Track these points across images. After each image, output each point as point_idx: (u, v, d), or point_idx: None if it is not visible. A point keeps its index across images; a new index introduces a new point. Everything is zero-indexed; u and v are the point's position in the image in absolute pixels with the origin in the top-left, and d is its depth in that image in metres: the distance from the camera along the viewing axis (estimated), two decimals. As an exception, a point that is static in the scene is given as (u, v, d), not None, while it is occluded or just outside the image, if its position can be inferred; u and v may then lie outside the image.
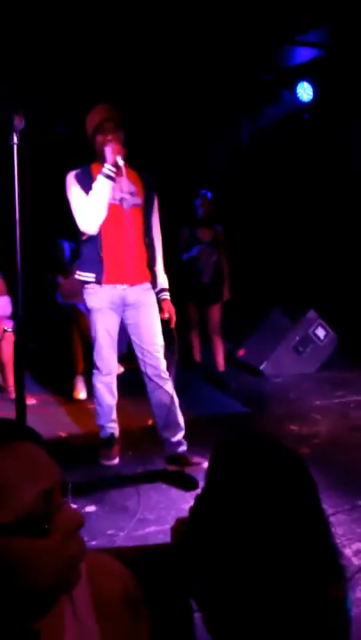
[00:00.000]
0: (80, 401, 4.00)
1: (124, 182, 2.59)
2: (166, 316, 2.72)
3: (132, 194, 2.63)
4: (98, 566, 0.83)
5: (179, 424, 2.72)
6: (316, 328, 4.85)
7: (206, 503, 0.91)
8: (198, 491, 0.89)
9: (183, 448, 2.73)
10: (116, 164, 2.52)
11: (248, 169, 6.09)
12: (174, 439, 2.71)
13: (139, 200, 2.65)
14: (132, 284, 2.64)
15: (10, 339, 3.77)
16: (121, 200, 2.60)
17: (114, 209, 2.58)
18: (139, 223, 2.64)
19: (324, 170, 5.37)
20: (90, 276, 2.60)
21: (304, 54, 4.85)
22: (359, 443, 3.20)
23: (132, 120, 5.12)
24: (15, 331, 2.02)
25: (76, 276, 2.68)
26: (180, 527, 0.98)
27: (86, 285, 2.64)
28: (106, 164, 2.52)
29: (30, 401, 3.56)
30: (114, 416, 2.87)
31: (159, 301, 2.74)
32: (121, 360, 4.09)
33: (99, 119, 2.61)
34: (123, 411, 3.71)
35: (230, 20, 3.85)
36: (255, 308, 5.37)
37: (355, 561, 2.10)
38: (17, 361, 2.14)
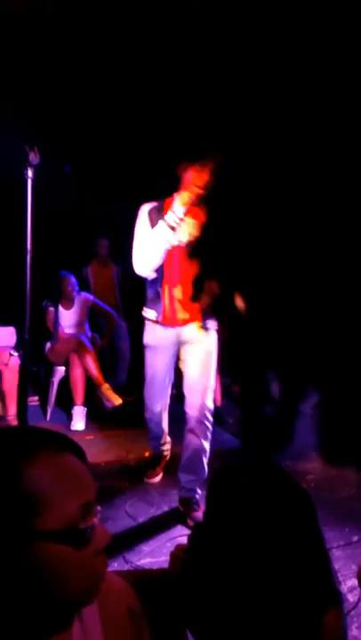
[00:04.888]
0: (78, 432, 4.00)
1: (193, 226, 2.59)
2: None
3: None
4: (106, 584, 0.83)
5: (197, 473, 2.66)
6: (313, 366, 4.87)
7: (205, 530, 0.93)
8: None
9: (193, 495, 2.68)
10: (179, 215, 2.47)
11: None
12: (185, 485, 2.69)
13: None
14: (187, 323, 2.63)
15: (12, 367, 3.79)
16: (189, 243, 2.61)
17: (180, 250, 2.59)
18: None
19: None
20: (151, 313, 2.64)
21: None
22: (354, 480, 3.20)
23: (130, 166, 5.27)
24: (21, 356, 2.07)
25: (143, 313, 2.70)
26: (179, 554, 1.00)
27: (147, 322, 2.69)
28: (170, 213, 2.48)
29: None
30: (163, 440, 3.03)
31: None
32: (119, 392, 4.12)
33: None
34: (120, 442, 3.74)
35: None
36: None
37: (350, 597, 2.07)
38: (22, 386, 2.18)
